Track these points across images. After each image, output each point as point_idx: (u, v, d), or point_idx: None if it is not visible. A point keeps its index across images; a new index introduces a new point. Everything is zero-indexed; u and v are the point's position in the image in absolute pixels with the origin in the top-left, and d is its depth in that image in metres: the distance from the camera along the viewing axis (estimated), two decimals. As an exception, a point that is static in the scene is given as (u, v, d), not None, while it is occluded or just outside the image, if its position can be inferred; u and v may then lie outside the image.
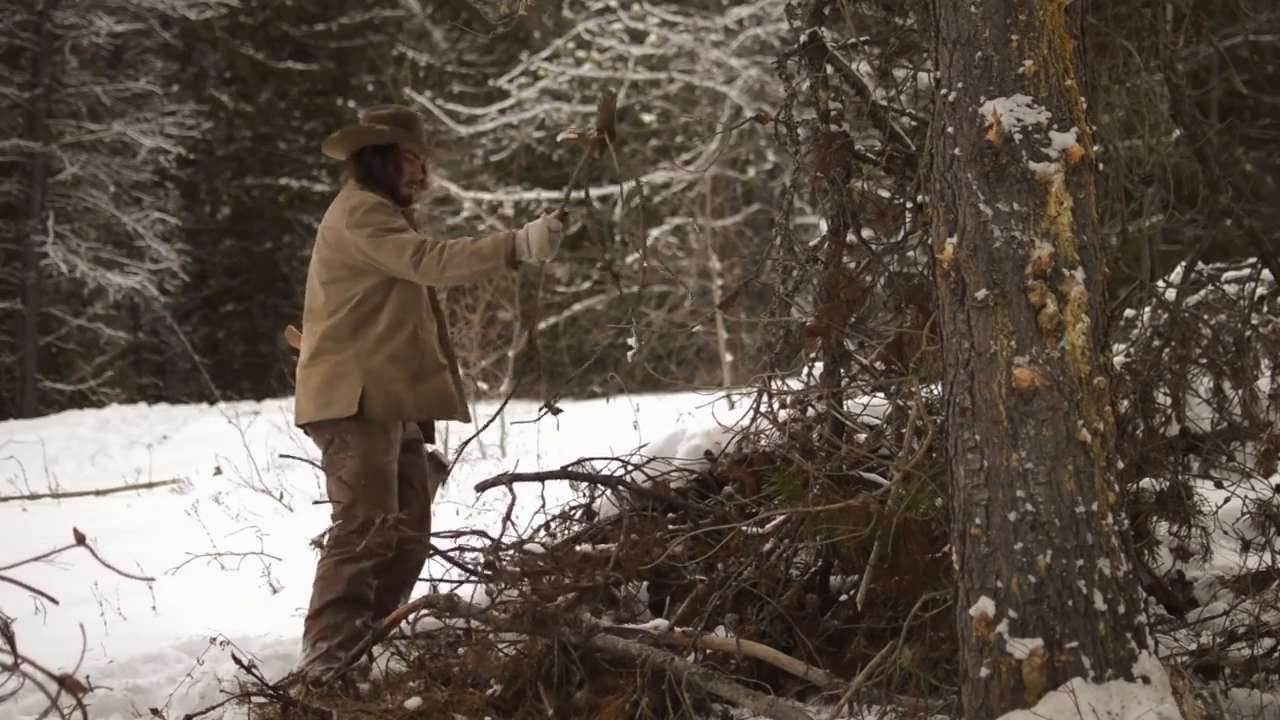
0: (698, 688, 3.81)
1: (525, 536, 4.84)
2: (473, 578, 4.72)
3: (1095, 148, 3.31)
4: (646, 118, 20.69)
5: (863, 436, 4.53)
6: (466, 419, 4.89)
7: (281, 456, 6.18)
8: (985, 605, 3.20)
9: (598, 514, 4.98)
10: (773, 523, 4.34)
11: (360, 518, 4.56)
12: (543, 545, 4.74)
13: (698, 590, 4.28)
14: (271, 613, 5.53)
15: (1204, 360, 4.52)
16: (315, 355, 4.70)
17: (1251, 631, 3.86)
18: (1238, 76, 4.54)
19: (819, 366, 4.63)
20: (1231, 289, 4.74)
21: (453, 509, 7.40)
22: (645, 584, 4.57)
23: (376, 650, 4.57)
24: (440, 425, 10.27)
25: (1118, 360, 4.25)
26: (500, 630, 4.28)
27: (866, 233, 4.63)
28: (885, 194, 4.78)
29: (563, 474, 4.98)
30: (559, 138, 4.79)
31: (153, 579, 3.65)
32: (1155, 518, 4.58)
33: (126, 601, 5.69)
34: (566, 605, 4.20)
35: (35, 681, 2.28)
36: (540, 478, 4.99)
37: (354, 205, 4.71)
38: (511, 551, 4.63)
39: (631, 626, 4.13)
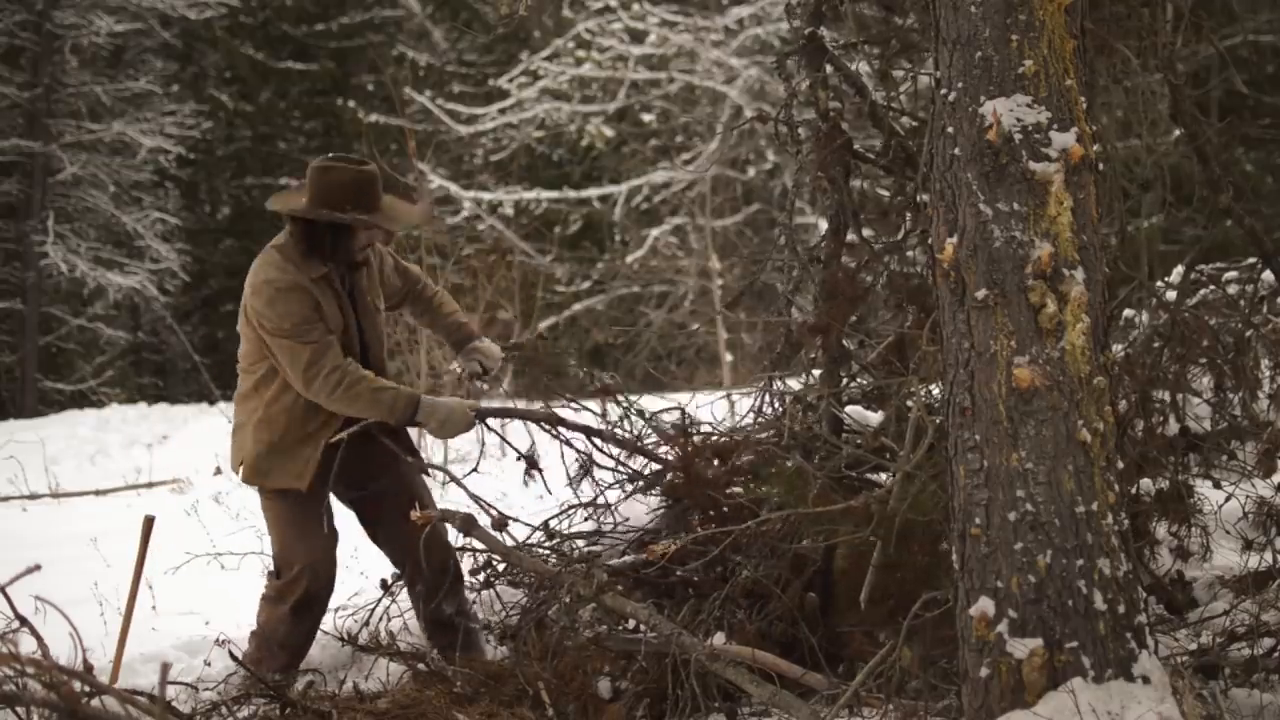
0: (704, 670, 3.79)
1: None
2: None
3: (1095, 147, 3.31)
4: (646, 118, 20.67)
5: (859, 441, 4.53)
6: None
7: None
8: (985, 605, 3.20)
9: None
10: (770, 522, 4.33)
11: (275, 555, 4.59)
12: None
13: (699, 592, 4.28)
14: (271, 613, 5.52)
15: (1204, 360, 4.53)
16: (235, 407, 4.66)
17: (1251, 631, 3.86)
18: (1238, 76, 4.55)
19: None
20: (1232, 289, 4.75)
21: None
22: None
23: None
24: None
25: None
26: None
27: (867, 232, 4.64)
28: (885, 193, 4.79)
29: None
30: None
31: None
32: (1155, 518, 4.58)
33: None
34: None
35: (40, 683, 2.28)
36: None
37: (258, 285, 4.42)
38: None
39: (633, 636, 4.13)
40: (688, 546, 4.28)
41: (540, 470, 4.82)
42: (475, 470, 4.89)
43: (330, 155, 4.57)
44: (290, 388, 4.46)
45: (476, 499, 4.68)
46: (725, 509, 4.39)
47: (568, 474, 4.84)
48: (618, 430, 4.86)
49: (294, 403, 4.47)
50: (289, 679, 4.35)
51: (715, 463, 4.59)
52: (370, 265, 4.68)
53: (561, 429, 4.81)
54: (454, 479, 4.72)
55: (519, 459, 4.87)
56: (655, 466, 4.78)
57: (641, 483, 4.76)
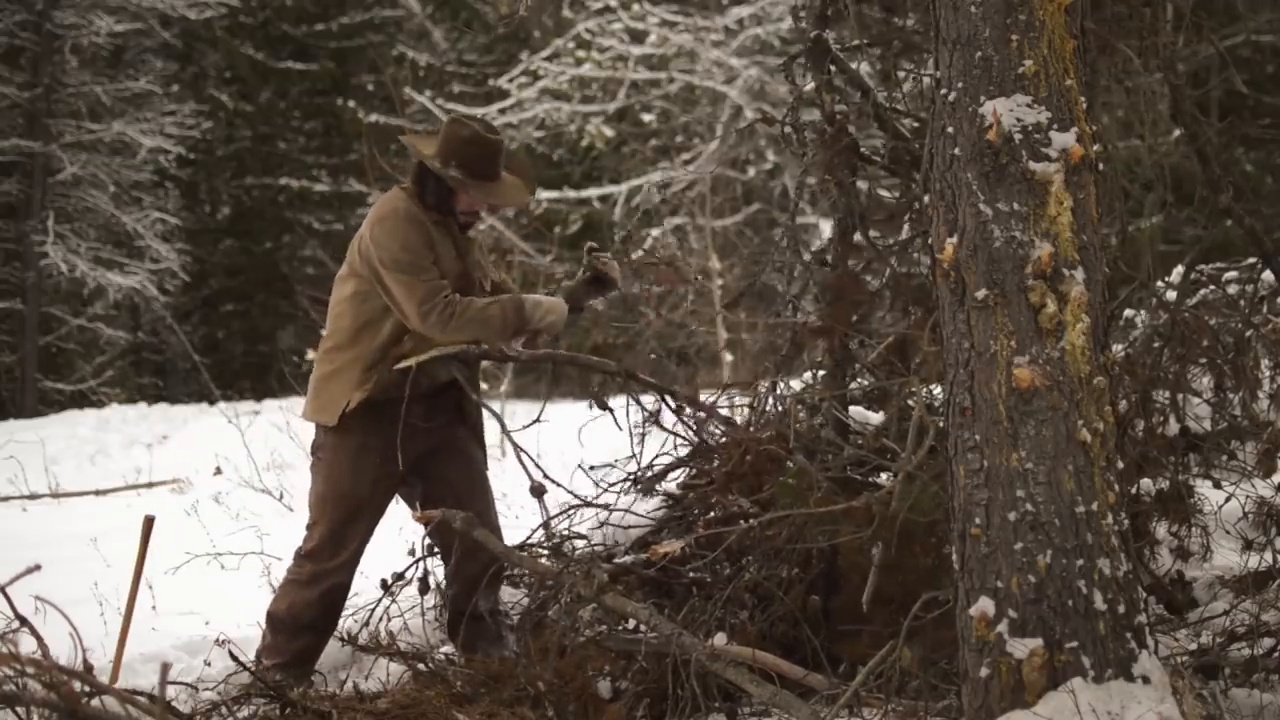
0: (704, 670, 3.79)
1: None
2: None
3: (1095, 147, 3.31)
4: (646, 118, 20.67)
5: (860, 441, 4.53)
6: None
7: None
8: (985, 605, 3.20)
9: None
10: (775, 523, 4.34)
11: (317, 539, 4.49)
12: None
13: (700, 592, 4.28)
14: (272, 613, 5.52)
15: (1204, 360, 4.53)
16: (324, 352, 4.49)
17: (1251, 631, 3.87)
18: (1238, 76, 4.54)
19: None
20: (1232, 289, 4.75)
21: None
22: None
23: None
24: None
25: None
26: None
27: (872, 233, 4.64)
28: (887, 194, 4.79)
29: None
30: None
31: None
32: (1155, 518, 4.58)
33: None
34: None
35: (40, 683, 2.28)
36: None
37: (384, 214, 4.42)
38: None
39: (633, 636, 4.13)
40: (691, 547, 4.29)
41: (611, 411, 4.81)
42: (539, 420, 4.76)
43: (468, 116, 4.68)
44: (405, 333, 4.38)
45: (521, 452, 4.63)
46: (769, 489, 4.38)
47: (630, 430, 4.85)
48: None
49: (411, 350, 4.39)
50: (290, 678, 4.35)
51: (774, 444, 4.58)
52: (478, 244, 4.70)
53: (634, 384, 4.82)
54: (507, 434, 4.65)
55: (591, 404, 4.89)
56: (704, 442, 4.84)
57: (698, 456, 4.80)
